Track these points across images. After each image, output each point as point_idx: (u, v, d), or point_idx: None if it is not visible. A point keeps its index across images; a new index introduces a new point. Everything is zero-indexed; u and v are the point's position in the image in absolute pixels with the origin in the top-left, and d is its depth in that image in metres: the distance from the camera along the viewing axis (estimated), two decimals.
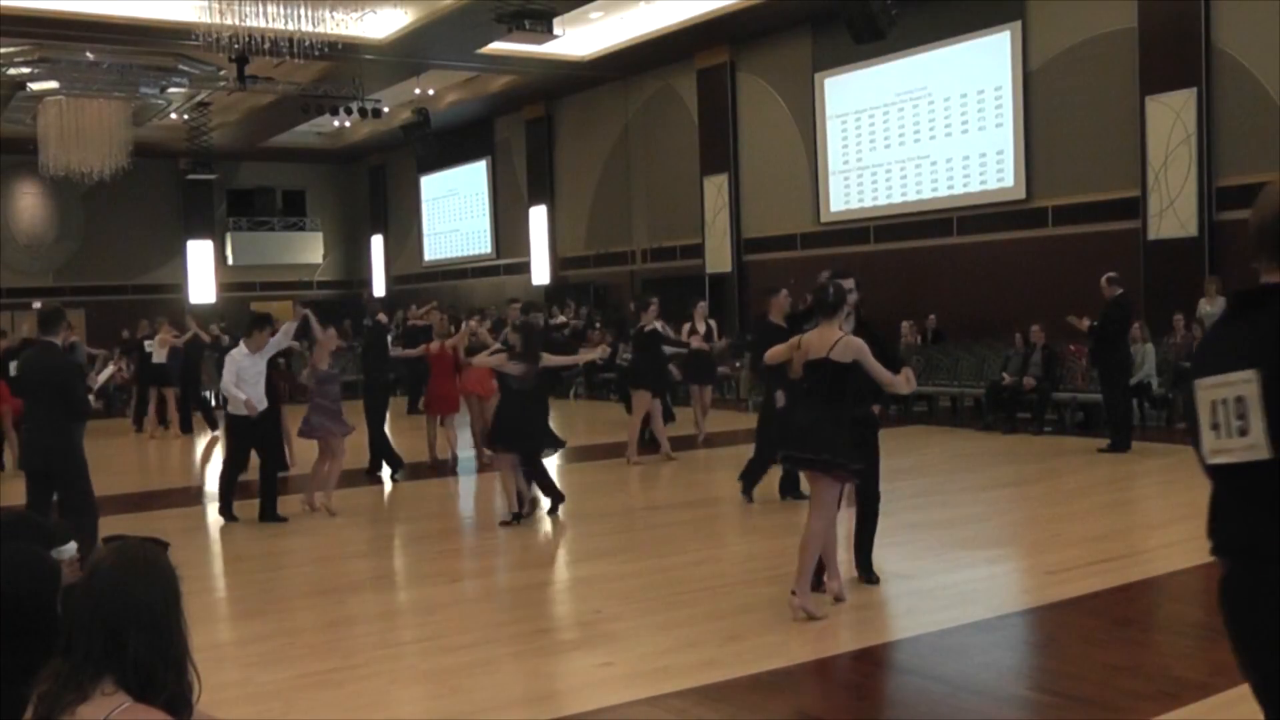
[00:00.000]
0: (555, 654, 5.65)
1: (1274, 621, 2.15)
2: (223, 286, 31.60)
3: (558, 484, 9.38)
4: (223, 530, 9.27)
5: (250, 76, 19.75)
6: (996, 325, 16.33)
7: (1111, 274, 11.81)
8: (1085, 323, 11.96)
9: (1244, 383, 2.16)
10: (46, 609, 2.41)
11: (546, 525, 8.92)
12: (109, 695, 2.08)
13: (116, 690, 2.09)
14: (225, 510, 9.46)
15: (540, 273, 26.56)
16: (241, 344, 9.48)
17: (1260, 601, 2.18)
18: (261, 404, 9.22)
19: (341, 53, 17.43)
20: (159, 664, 2.13)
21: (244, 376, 9.19)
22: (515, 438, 8.77)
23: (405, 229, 32.52)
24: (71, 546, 2.78)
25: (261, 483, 9.41)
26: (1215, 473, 2.26)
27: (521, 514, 8.85)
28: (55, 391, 7.11)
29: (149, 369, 16.57)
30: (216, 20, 15.34)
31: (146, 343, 16.51)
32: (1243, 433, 2.17)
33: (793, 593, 5.84)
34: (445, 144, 26.61)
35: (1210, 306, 13.87)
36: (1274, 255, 2.25)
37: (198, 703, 2.25)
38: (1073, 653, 5.28)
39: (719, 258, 21.62)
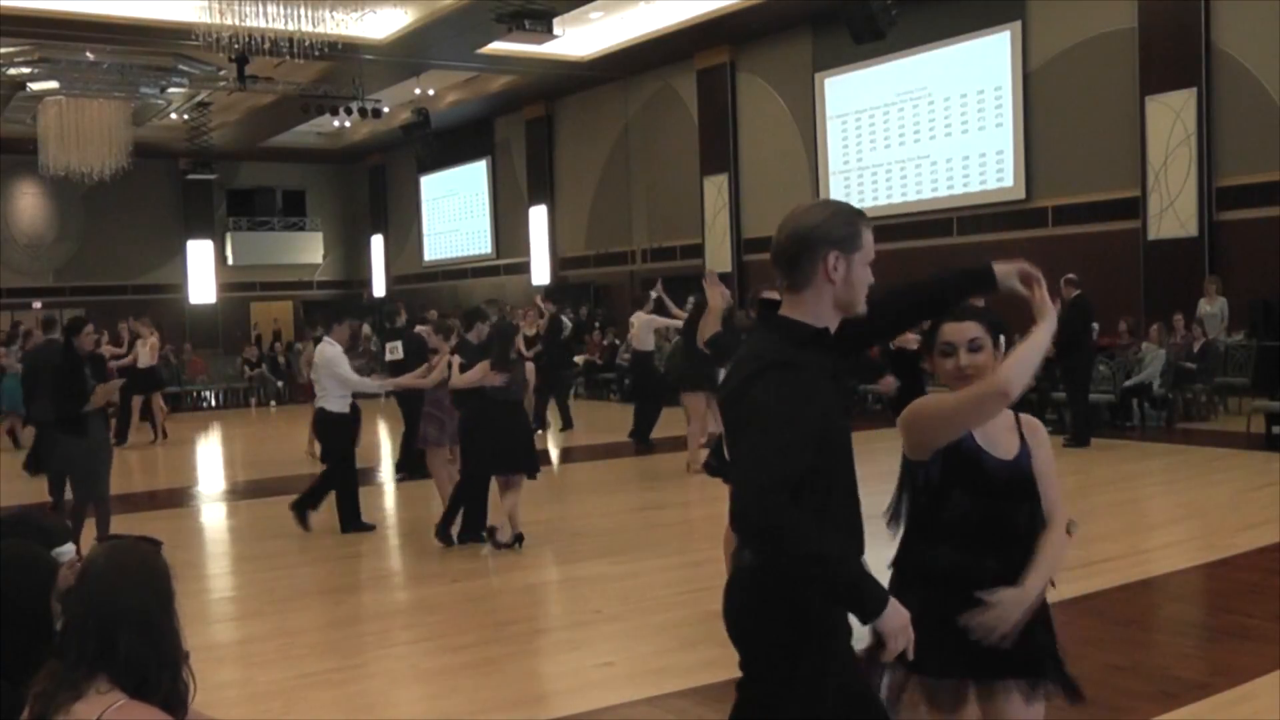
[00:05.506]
0: (555, 654, 5.65)
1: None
2: (222, 287, 31.60)
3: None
4: (223, 530, 9.26)
5: (250, 76, 19.75)
6: None
7: (1070, 275, 11.76)
8: None
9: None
10: (44, 607, 2.40)
11: (545, 526, 8.90)
12: (104, 694, 2.08)
13: (111, 689, 2.09)
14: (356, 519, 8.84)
15: (540, 273, 26.55)
16: (329, 339, 8.87)
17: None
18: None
19: (341, 53, 17.42)
20: (152, 663, 2.12)
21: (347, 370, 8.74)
22: (506, 455, 7.77)
23: (405, 229, 32.51)
24: (70, 548, 2.77)
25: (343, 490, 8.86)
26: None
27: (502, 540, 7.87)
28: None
29: (136, 375, 15.83)
30: (216, 20, 15.33)
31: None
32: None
33: None
34: (445, 144, 26.60)
35: (1210, 306, 13.88)
36: (784, 275, 2.50)
37: (193, 702, 2.24)
38: (1072, 653, 5.18)
39: (719, 258, 21.60)
